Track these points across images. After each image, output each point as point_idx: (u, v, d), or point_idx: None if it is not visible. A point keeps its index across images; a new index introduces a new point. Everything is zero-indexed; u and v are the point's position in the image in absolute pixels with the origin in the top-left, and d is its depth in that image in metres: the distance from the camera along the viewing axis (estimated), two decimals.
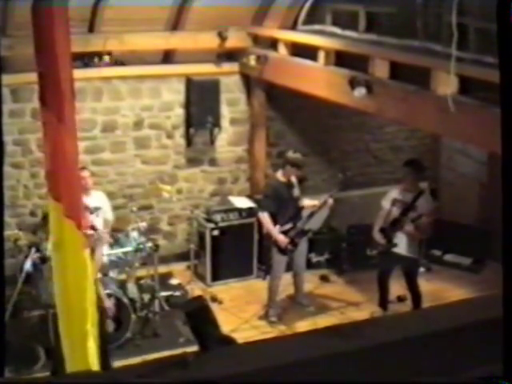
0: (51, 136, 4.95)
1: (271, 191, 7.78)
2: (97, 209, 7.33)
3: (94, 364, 5.18)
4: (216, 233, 8.69)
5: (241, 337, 6.96)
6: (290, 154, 7.70)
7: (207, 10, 8.41)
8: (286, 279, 8.09)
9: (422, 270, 9.14)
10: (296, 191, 7.75)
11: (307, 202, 7.88)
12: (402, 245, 7.32)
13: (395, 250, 7.34)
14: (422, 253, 9.22)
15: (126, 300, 7.05)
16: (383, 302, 7.77)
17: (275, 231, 7.58)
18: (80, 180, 5.53)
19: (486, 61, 5.51)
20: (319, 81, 7.62)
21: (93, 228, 6.36)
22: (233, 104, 9.45)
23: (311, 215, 7.73)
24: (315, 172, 9.72)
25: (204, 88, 8.96)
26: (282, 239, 7.57)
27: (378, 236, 7.40)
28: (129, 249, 7.37)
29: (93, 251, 6.19)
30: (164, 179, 8.99)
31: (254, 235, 8.86)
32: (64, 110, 4.82)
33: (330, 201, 7.66)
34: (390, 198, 7.43)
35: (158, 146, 9.16)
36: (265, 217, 7.66)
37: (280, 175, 7.73)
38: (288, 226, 7.63)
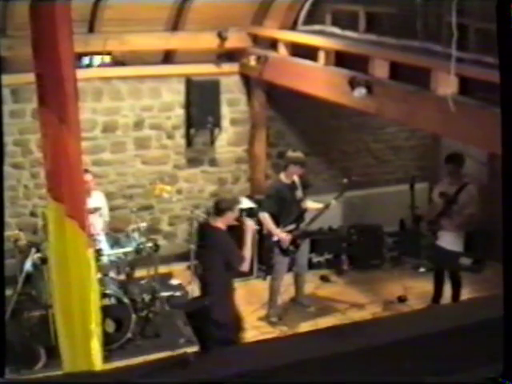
0: (52, 136, 4.93)
1: (273, 192, 7.78)
2: (97, 209, 7.33)
3: (98, 364, 5.17)
4: None
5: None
6: (291, 153, 7.72)
7: (207, 10, 8.41)
8: (286, 279, 8.08)
9: (422, 270, 9.16)
10: (299, 193, 7.73)
11: (311, 205, 7.87)
12: (445, 238, 7.51)
13: (440, 243, 7.54)
14: (423, 252, 9.29)
15: (126, 300, 7.04)
16: (436, 297, 7.91)
17: (277, 230, 7.58)
18: (83, 181, 5.51)
19: (486, 61, 5.51)
20: (319, 81, 7.62)
21: (238, 220, 6.43)
22: (233, 104, 9.45)
23: (314, 218, 7.74)
24: (315, 172, 9.71)
25: (204, 88, 8.96)
26: (284, 237, 7.56)
27: (424, 228, 7.77)
28: (129, 249, 7.36)
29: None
30: (164, 179, 8.98)
31: (255, 236, 8.85)
32: (67, 111, 4.80)
33: (334, 203, 7.66)
34: (438, 190, 7.68)
35: (158, 146, 9.16)
36: (265, 217, 7.66)
37: (283, 176, 7.72)
38: (291, 227, 7.63)
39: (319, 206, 7.78)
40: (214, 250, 6.19)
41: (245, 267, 6.30)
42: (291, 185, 7.67)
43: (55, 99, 4.80)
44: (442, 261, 7.77)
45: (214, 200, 6.62)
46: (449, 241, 7.51)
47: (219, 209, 6.23)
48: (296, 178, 7.70)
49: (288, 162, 7.68)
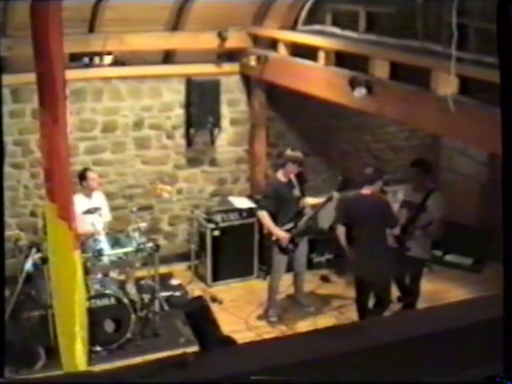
0: (47, 137, 4.97)
1: (271, 191, 7.78)
2: (97, 209, 7.33)
3: (82, 366, 5.20)
4: (216, 233, 8.69)
5: (241, 337, 6.94)
6: (289, 152, 7.74)
7: (207, 10, 8.41)
8: (287, 279, 8.09)
9: None
10: (296, 191, 7.74)
11: (312, 201, 7.87)
12: (413, 248, 7.15)
13: (409, 253, 7.15)
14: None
15: (126, 300, 7.04)
16: (405, 301, 7.60)
17: (275, 228, 7.58)
18: (71, 181, 5.54)
19: (486, 61, 5.51)
20: (319, 81, 7.62)
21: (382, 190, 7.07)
22: (233, 104, 9.45)
23: (312, 216, 7.74)
24: (315, 172, 9.72)
25: (204, 88, 8.96)
26: (283, 235, 7.56)
27: (390, 240, 7.15)
28: (129, 249, 7.35)
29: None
30: (164, 179, 8.99)
31: (255, 235, 8.86)
32: (58, 111, 4.84)
33: (336, 195, 7.62)
34: (399, 199, 7.33)
35: (158, 146, 9.16)
36: (263, 215, 7.66)
37: (280, 175, 7.73)
38: (289, 226, 7.63)
39: (320, 200, 7.78)
40: (376, 215, 6.87)
41: (397, 231, 7.02)
42: (288, 183, 7.68)
43: (50, 100, 4.84)
44: (408, 268, 7.37)
45: (368, 170, 7.24)
46: (417, 250, 7.13)
47: (373, 178, 6.98)
48: (293, 177, 7.71)
49: (286, 160, 7.69)
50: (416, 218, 7.09)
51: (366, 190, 6.97)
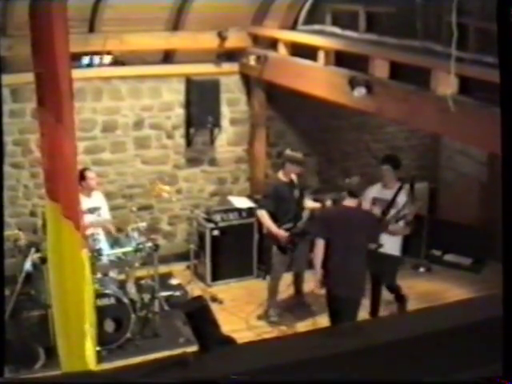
0: (49, 136, 4.95)
1: (271, 190, 7.78)
2: (96, 209, 7.32)
3: (92, 364, 5.18)
4: (216, 233, 8.69)
5: (241, 337, 6.95)
6: (289, 152, 7.72)
7: (207, 10, 8.41)
8: (286, 279, 8.08)
9: (422, 270, 9.18)
10: (297, 192, 7.73)
11: (310, 204, 7.86)
12: (385, 244, 7.01)
13: (380, 250, 6.98)
14: (423, 252, 9.23)
15: (125, 300, 7.04)
16: (374, 309, 7.50)
17: (274, 227, 7.57)
18: (77, 180, 5.52)
19: (486, 61, 5.51)
20: (319, 81, 7.63)
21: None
22: (233, 104, 9.45)
23: (312, 217, 7.73)
24: (315, 172, 9.72)
25: (204, 88, 8.96)
26: (282, 234, 7.56)
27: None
28: (128, 249, 7.35)
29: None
30: (164, 179, 8.98)
31: (254, 235, 8.86)
32: (62, 110, 4.82)
33: (330, 202, 7.61)
34: (369, 197, 7.29)
35: (158, 146, 9.17)
36: (263, 214, 7.66)
37: (281, 175, 7.73)
38: (288, 226, 7.63)
39: (317, 205, 7.78)
40: (358, 229, 6.50)
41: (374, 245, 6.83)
42: (289, 183, 7.67)
43: (52, 99, 4.82)
44: (381, 268, 7.23)
45: (349, 182, 6.80)
46: (389, 246, 7.00)
47: (355, 191, 6.62)
48: (294, 177, 7.71)
49: (285, 160, 7.69)
50: (387, 214, 7.08)
51: (349, 202, 6.56)
